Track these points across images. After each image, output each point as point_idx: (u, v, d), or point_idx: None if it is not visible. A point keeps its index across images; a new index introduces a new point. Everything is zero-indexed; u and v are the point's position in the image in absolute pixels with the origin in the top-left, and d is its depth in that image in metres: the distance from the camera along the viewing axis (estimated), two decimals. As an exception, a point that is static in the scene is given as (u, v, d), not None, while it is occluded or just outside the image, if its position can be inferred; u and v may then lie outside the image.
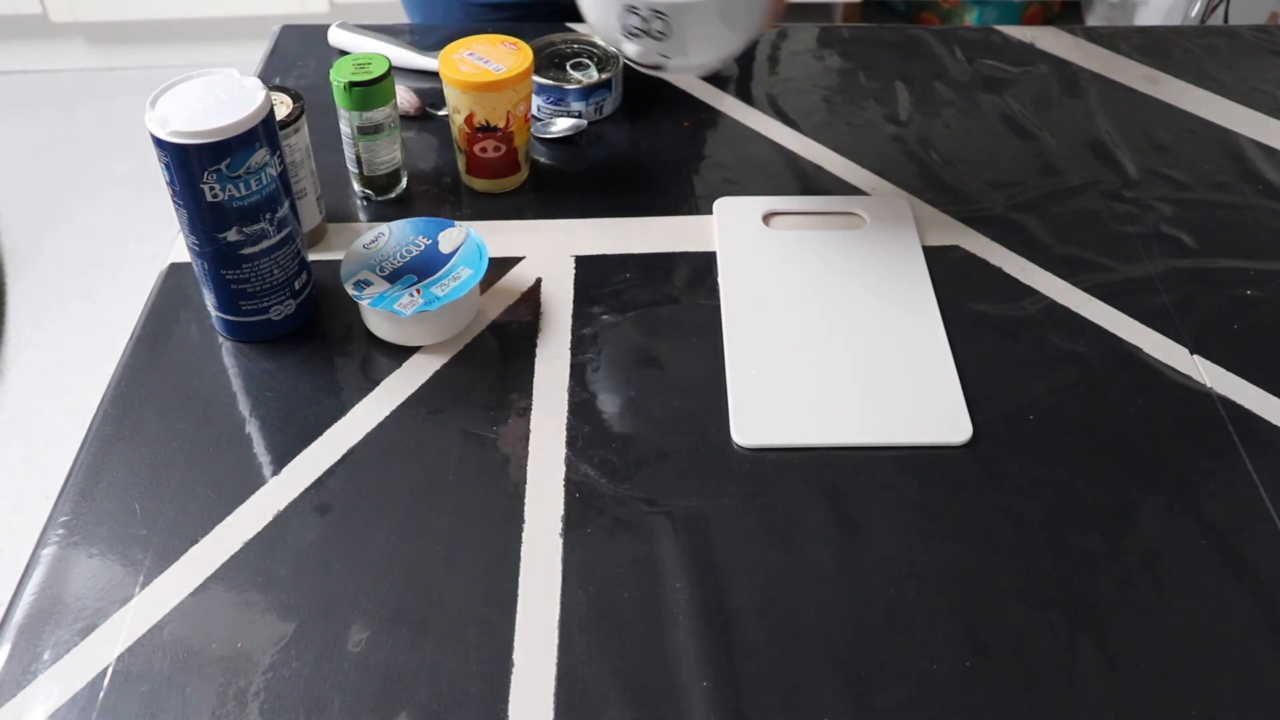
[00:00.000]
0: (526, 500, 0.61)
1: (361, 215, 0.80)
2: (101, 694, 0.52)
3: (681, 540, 0.59)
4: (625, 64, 0.91)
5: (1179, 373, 0.69)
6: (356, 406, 0.66)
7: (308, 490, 0.61)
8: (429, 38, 0.97)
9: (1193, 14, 1.90)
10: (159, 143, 0.60)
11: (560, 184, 0.83)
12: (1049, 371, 0.69)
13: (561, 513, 0.60)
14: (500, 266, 0.75)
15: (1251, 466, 0.63)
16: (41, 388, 1.73)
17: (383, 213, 0.80)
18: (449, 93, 0.77)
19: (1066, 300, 0.74)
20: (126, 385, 0.67)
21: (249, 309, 0.67)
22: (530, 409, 0.66)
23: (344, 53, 0.95)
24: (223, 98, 0.61)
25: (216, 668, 0.53)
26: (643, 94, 0.92)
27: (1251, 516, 0.61)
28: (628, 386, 0.67)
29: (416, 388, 0.67)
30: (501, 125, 0.78)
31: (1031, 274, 0.76)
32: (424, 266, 0.69)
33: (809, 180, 0.84)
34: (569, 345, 0.70)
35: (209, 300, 0.68)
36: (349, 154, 0.79)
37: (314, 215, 0.76)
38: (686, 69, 0.67)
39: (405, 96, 0.88)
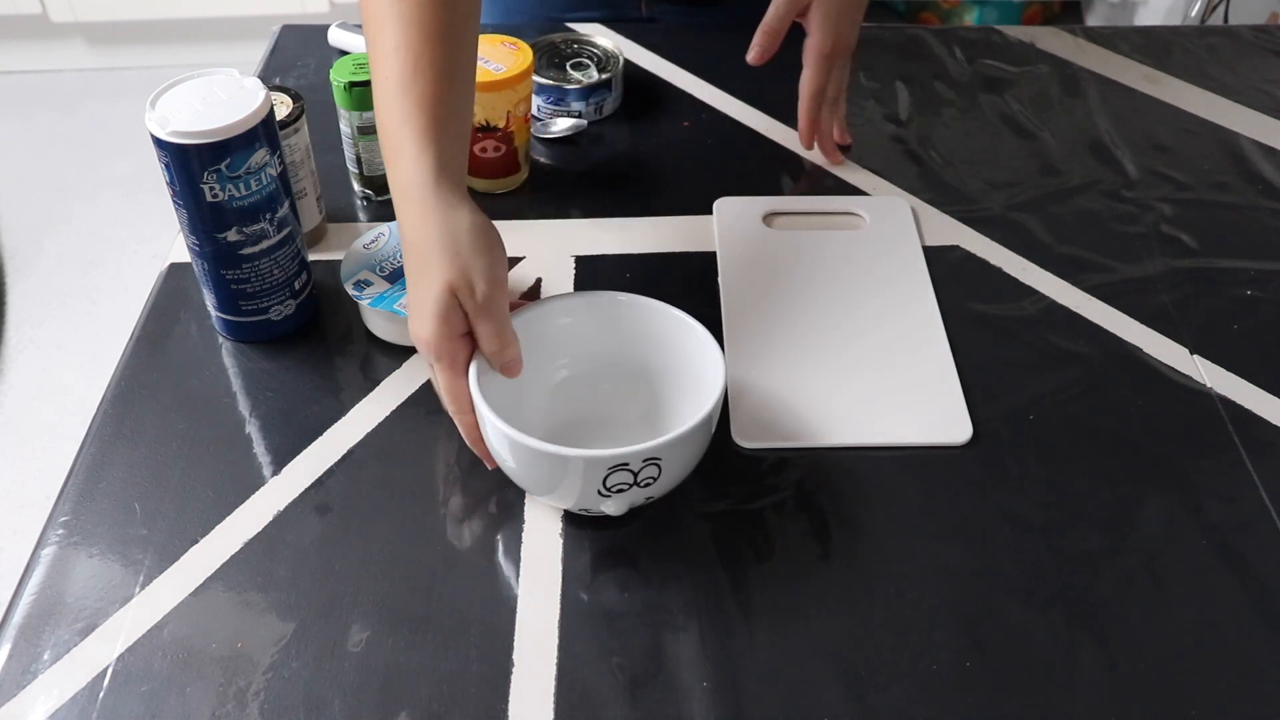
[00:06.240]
0: (526, 500, 0.61)
1: (361, 215, 0.80)
2: (101, 694, 0.52)
3: (681, 540, 0.59)
4: (625, 63, 0.91)
5: (1179, 373, 0.69)
6: (356, 406, 0.66)
7: (308, 490, 0.61)
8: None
9: (1193, 14, 1.90)
10: (159, 143, 0.60)
11: (560, 184, 0.83)
12: (1049, 371, 0.69)
13: (561, 513, 0.60)
14: (500, 266, 0.75)
15: (1251, 466, 0.63)
16: (41, 388, 1.73)
17: (383, 213, 0.80)
18: (449, 93, 0.77)
19: (1066, 300, 0.74)
20: (126, 385, 0.67)
21: (249, 309, 0.67)
22: (530, 409, 0.66)
23: (344, 53, 0.95)
24: (223, 98, 0.61)
25: (216, 668, 0.53)
26: (643, 94, 0.92)
27: (1251, 516, 0.61)
28: (628, 386, 0.67)
29: (416, 388, 0.67)
30: (501, 125, 0.78)
31: (1031, 274, 0.76)
32: (424, 266, 0.69)
33: (809, 180, 0.84)
34: (569, 345, 0.70)
35: (209, 300, 0.68)
36: (349, 154, 0.79)
37: (314, 215, 0.76)
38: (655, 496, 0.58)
39: (405, 96, 0.88)
